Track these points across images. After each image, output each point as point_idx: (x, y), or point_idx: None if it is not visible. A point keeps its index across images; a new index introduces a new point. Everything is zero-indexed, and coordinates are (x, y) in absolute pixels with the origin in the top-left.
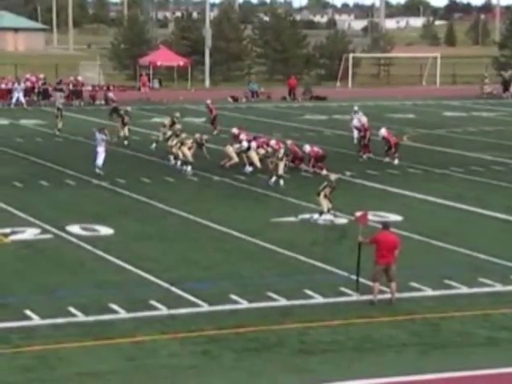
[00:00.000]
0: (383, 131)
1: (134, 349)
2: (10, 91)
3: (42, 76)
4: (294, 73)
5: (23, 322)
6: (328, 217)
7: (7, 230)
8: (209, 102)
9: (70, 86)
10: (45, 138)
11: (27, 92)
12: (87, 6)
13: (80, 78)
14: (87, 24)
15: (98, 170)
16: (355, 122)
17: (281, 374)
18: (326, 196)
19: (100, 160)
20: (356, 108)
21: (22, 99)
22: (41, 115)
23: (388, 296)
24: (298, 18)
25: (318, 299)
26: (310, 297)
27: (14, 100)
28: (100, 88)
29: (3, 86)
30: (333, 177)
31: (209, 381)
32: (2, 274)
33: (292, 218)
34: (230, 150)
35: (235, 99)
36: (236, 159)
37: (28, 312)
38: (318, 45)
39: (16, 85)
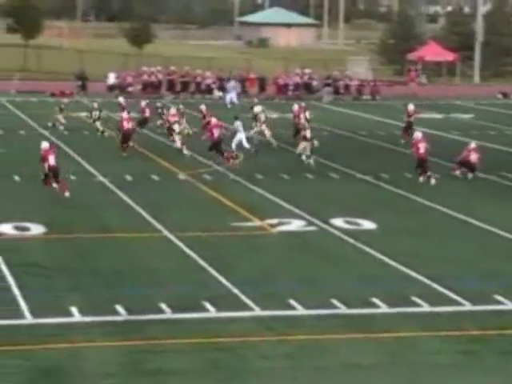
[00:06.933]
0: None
1: (395, 344)
2: (158, 85)
3: (307, 71)
4: None
5: (287, 311)
6: None
7: (274, 221)
8: (143, 103)
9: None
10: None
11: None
12: (358, 1)
13: (349, 73)
14: (357, 19)
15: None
16: None
17: None
18: None
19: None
20: None
21: (235, 100)
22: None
23: None
24: None
25: None
26: None
27: (227, 100)
28: (367, 83)
29: (153, 78)
30: None
31: (470, 380)
32: (269, 263)
33: None
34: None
35: (505, 95)
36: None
37: (292, 301)
38: None
39: (229, 83)
